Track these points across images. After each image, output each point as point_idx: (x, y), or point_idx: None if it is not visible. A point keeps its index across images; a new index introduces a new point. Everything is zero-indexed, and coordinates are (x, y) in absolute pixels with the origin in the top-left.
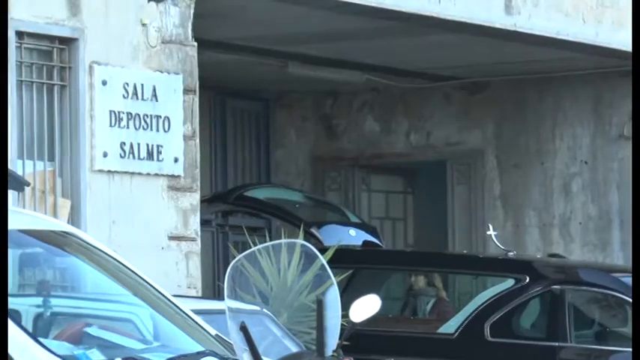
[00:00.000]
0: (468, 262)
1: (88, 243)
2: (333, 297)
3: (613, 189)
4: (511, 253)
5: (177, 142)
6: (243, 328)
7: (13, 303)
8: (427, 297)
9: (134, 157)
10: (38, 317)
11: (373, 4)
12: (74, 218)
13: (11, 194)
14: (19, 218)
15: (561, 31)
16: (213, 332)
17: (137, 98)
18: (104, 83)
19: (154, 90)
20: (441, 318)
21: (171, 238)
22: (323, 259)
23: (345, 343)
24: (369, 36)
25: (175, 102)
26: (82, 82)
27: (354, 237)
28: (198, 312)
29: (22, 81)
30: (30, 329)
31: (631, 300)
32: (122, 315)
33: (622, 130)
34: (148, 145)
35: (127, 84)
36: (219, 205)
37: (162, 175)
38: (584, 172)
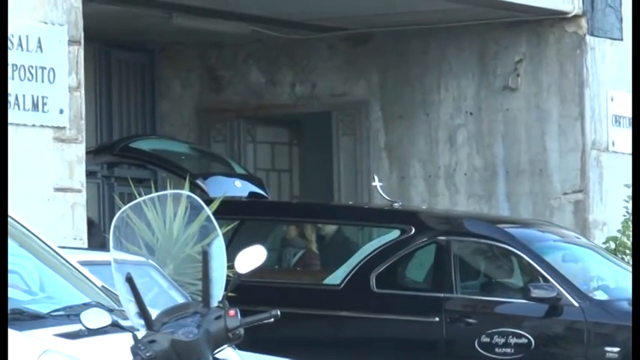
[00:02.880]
0: (354, 213)
1: None
2: (218, 248)
3: (498, 140)
4: (396, 204)
5: (63, 93)
6: (129, 279)
7: None
8: (296, 248)
9: (19, 108)
10: None
11: None
12: None
13: None
14: None
15: None
16: (99, 284)
17: (22, 49)
18: None
19: (39, 41)
20: (306, 270)
21: (57, 189)
22: (208, 211)
23: (231, 294)
24: None
25: (60, 53)
26: None
27: (240, 188)
28: (83, 263)
29: None
30: None
31: (516, 250)
32: (8, 266)
33: (507, 81)
34: (33, 96)
35: (12, 35)
36: (104, 157)
37: (48, 127)
38: (469, 124)
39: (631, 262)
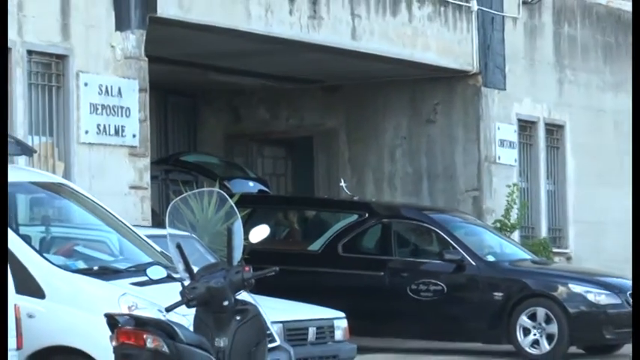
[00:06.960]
0: (327, 203)
1: (76, 191)
2: (238, 227)
3: (423, 155)
4: (355, 198)
5: (135, 124)
6: (179, 247)
7: (25, 230)
8: (284, 227)
9: (106, 134)
10: (42, 240)
11: (264, 33)
12: (66, 174)
13: (23, 158)
14: (29, 174)
15: (388, 51)
16: (159, 249)
17: (108, 95)
18: (86, 85)
19: (119, 90)
20: (293, 242)
21: (131, 187)
22: (231, 202)
23: (246, 257)
24: (262, 54)
25: (133, 97)
26: (71, 84)
27: (253, 187)
28: (149, 236)
29: (31, 83)
30: (37, 248)
31: (434, 228)
32: (99, 238)
33: (429, 117)
34: (115, 126)
35: (101, 85)
36: (162, 166)
37: (125, 146)
38: (404, 145)
39: (511, 237)
